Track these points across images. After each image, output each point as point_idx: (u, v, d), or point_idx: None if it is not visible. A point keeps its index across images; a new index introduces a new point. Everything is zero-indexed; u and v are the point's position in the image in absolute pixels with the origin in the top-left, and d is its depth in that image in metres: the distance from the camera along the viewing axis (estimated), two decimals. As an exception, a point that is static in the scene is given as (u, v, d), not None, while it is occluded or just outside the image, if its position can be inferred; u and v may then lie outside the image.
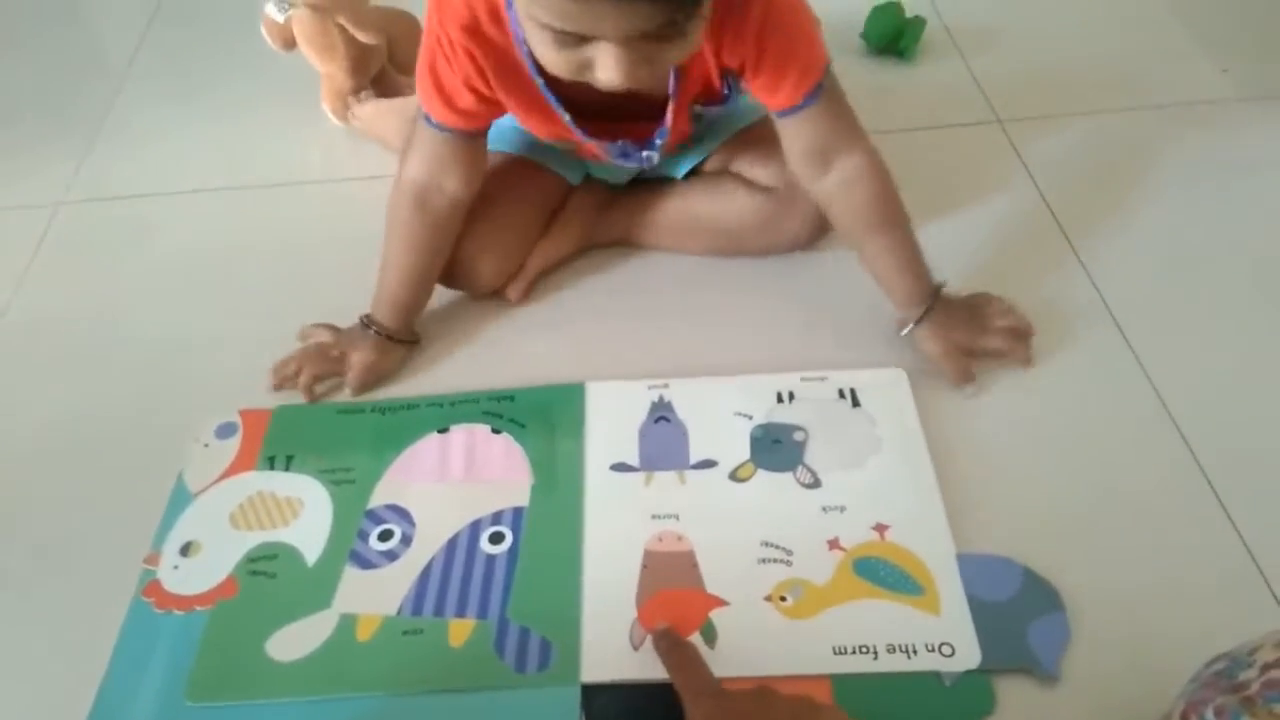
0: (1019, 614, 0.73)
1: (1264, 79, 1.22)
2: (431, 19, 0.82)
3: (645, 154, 0.91)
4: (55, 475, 0.90)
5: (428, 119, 0.87)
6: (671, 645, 0.71)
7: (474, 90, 0.84)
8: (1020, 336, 0.90)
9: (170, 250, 1.14)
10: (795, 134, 0.86)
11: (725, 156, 1.00)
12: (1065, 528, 0.79)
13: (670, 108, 0.86)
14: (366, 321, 0.95)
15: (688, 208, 1.02)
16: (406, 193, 0.91)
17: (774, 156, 0.93)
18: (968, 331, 0.89)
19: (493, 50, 0.81)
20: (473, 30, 0.80)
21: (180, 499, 0.86)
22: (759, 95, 0.85)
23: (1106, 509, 0.80)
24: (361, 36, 1.17)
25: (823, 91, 0.83)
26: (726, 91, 0.89)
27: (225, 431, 0.91)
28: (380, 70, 1.25)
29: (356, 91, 1.22)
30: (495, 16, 0.79)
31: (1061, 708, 0.69)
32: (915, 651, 0.71)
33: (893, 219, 0.88)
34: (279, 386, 0.94)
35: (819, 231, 0.99)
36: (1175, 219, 1.05)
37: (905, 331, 0.89)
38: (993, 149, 1.15)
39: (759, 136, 0.96)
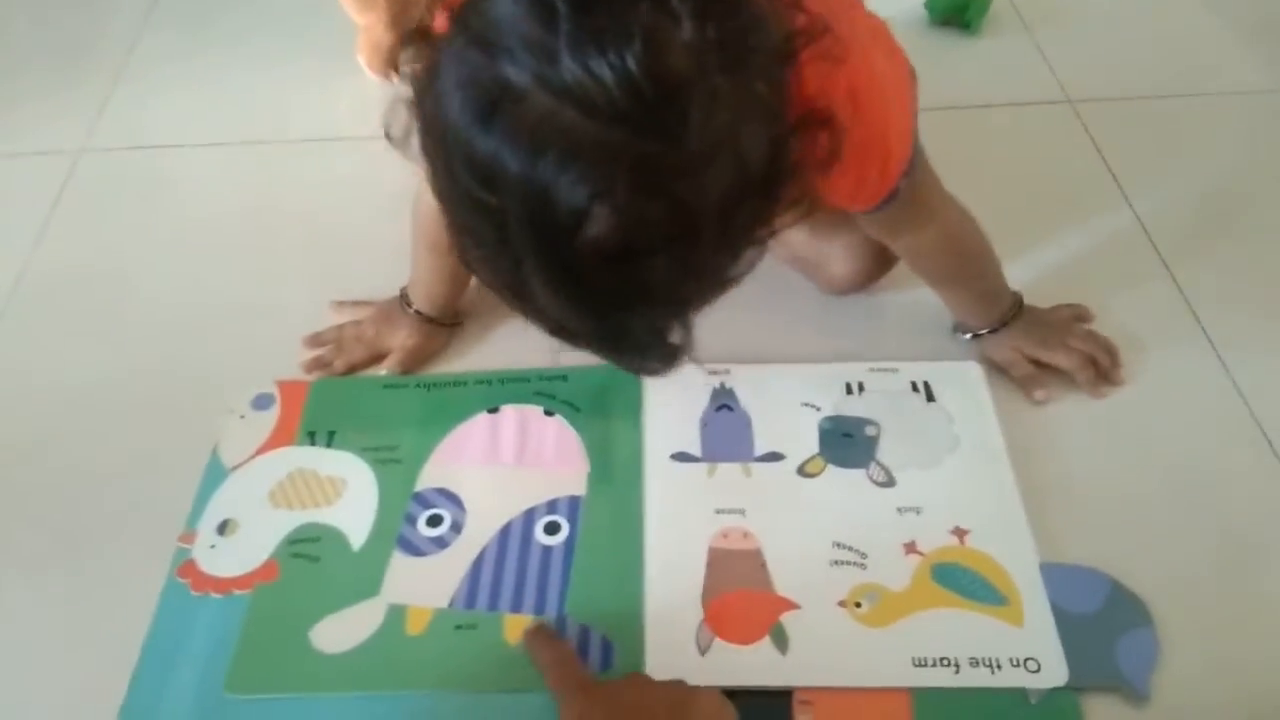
0: (1106, 628, 0.69)
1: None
2: None
3: None
4: (81, 446, 0.85)
5: None
6: (543, 643, 0.68)
7: None
8: (1093, 364, 0.84)
9: (197, 205, 1.08)
10: (865, 221, 0.78)
11: None
12: (1151, 539, 0.75)
13: None
14: (407, 300, 0.90)
15: None
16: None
17: (812, 221, 0.87)
18: (1033, 342, 0.84)
19: None
20: None
21: (215, 474, 0.81)
22: (828, 202, 0.70)
23: (1194, 521, 0.76)
24: (403, -14, 1.11)
25: (896, 198, 0.69)
26: None
27: (262, 403, 0.86)
28: (421, 23, 1.19)
29: (396, 46, 1.16)
30: None
31: (1154, 731, 0.66)
32: (1000, 666, 0.68)
33: (967, 277, 0.83)
34: (312, 371, 0.89)
35: (856, 290, 0.92)
36: (1261, 215, 1.00)
37: (964, 336, 0.87)
38: (1063, 130, 1.10)
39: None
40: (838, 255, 0.89)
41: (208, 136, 1.16)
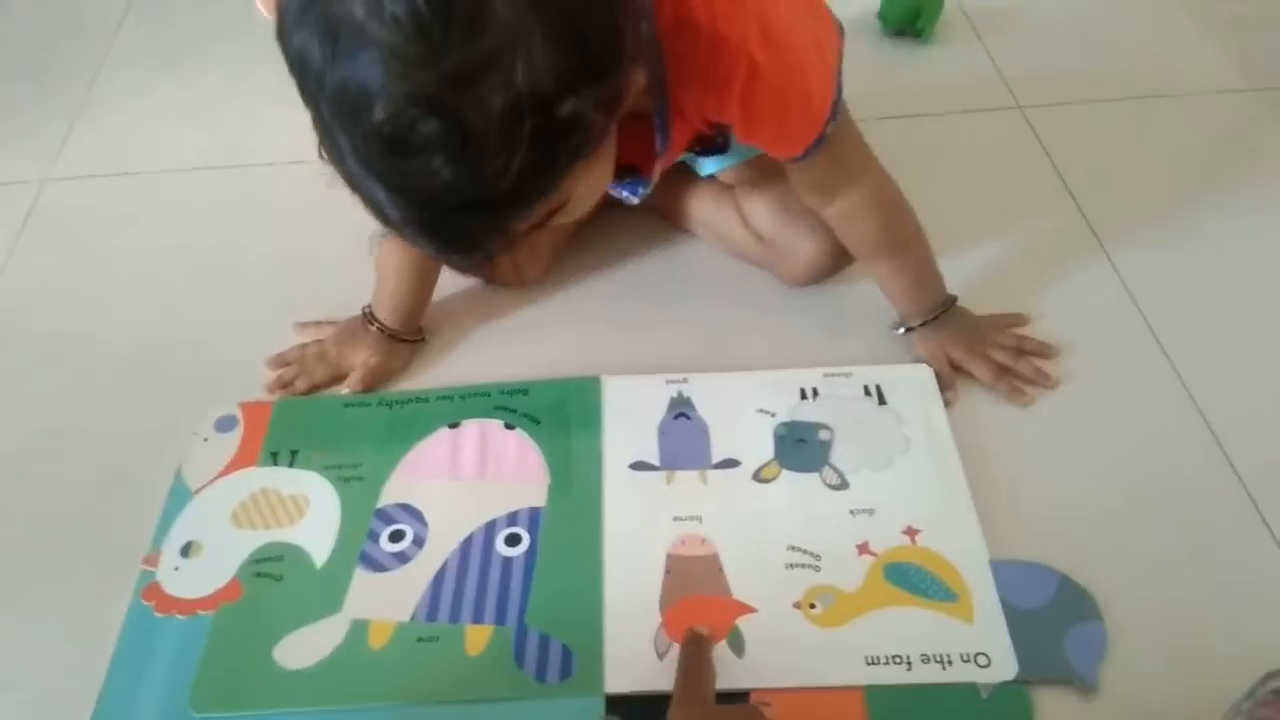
0: (1055, 622, 0.71)
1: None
2: None
3: (626, 194, 0.82)
4: (46, 471, 0.86)
5: None
6: (696, 649, 0.68)
7: None
8: (1010, 374, 0.86)
9: (163, 231, 1.09)
10: (796, 174, 0.81)
11: (739, 174, 0.94)
12: (1099, 534, 0.77)
13: (656, 166, 0.77)
14: (370, 317, 0.91)
15: (702, 207, 0.99)
16: None
17: (776, 198, 0.91)
18: (960, 347, 0.87)
19: None
20: None
21: (179, 496, 0.82)
22: (758, 147, 0.79)
23: (1142, 515, 0.78)
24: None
25: (823, 143, 0.74)
26: (722, 140, 0.83)
27: (225, 425, 0.87)
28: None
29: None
30: None
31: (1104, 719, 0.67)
32: (950, 662, 0.69)
33: (897, 245, 0.85)
34: (275, 391, 0.91)
35: (819, 278, 0.94)
36: (1207, 215, 1.02)
37: (898, 331, 0.89)
38: (1013, 136, 1.12)
39: (772, 171, 0.88)
40: (798, 239, 0.91)
41: (171, 163, 1.17)
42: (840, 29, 0.77)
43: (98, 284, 1.03)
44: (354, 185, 0.54)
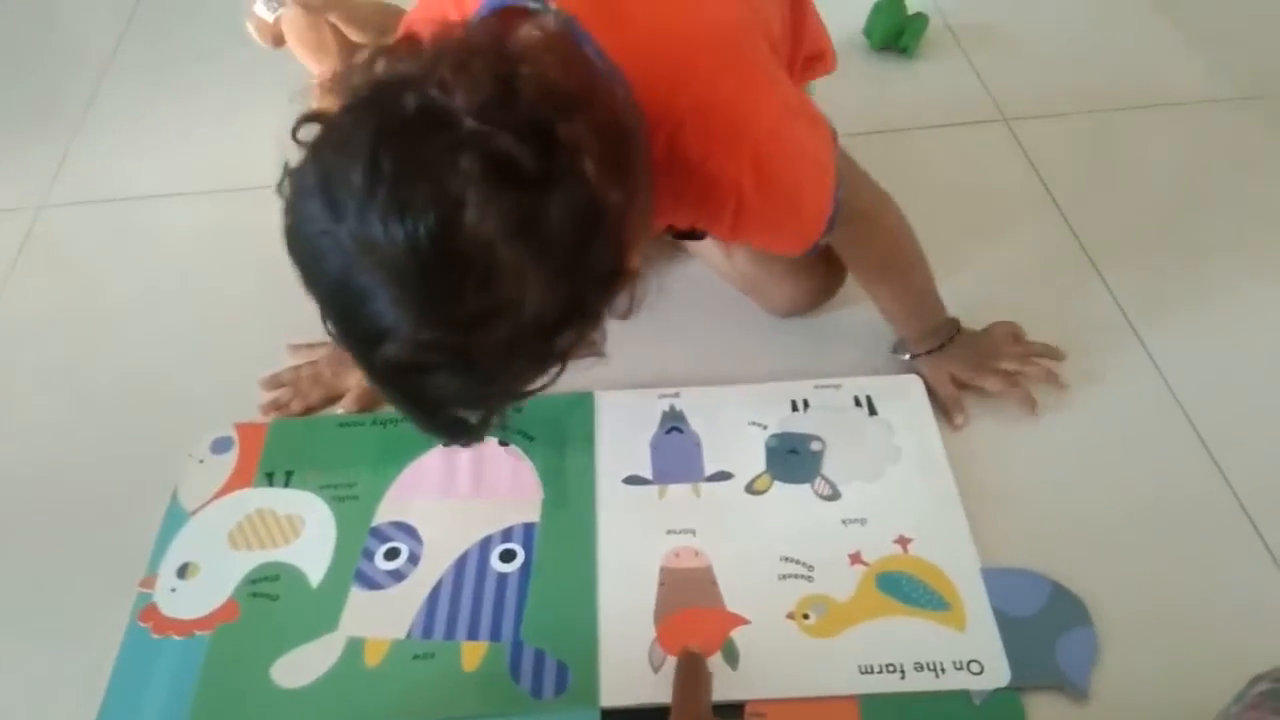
0: (1046, 629, 0.71)
1: (1263, 78, 1.21)
2: None
3: None
4: (42, 494, 0.87)
5: None
6: (692, 666, 0.69)
7: None
8: (1020, 380, 0.86)
9: (158, 256, 1.10)
10: None
11: None
12: (1090, 541, 0.77)
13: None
14: None
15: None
16: None
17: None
18: (967, 367, 0.87)
19: None
20: None
21: (176, 518, 0.82)
22: None
23: (1132, 522, 0.79)
24: (354, 35, 1.13)
25: (826, 236, 0.75)
26: (701, 233, 0.85)
27: (221, 446, 0.87)
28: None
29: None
30: None
31: (1095, 726, 0.68)
32: (943, 670, 0.70)
33: (899, 271, 0.85)
34: (269, 413, 0.91)
35: (799, 313, 0.95)
36: (1197, 225, 1.03)
37: (902, 356, 0.89)
38: (999, 148, 1.14)
39: None
40: (779, 278, 0.92)
41: (167, 188, 1.18)
42: (833, 132, 0.76)
43: (92, 309, 1.04)
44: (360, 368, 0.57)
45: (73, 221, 1.15)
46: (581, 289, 0.55)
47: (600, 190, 0.53)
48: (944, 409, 0.86)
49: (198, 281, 1.06)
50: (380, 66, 0.55)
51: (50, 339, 1.01)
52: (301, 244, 0.54)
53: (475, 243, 0.49)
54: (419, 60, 0.54)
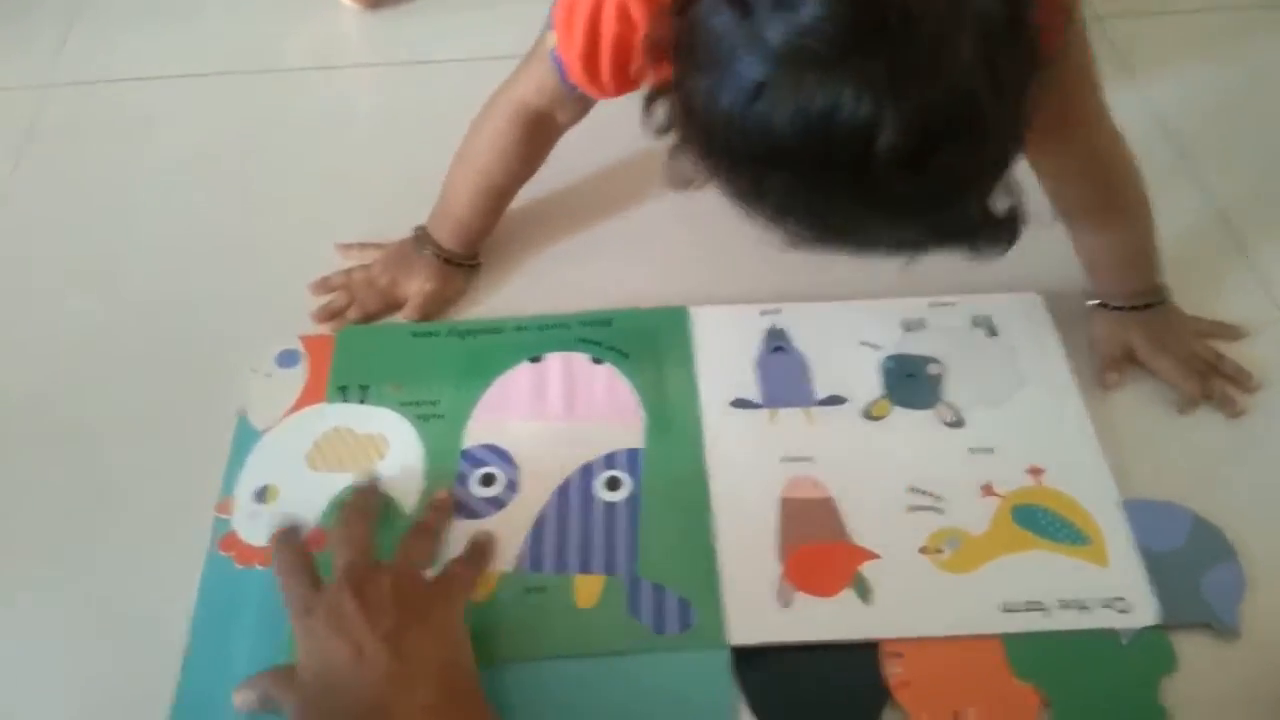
0: (1191, 564, 0.68)
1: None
2: None
3: None
4: (87, 408, 0.79)
5: (558, 64, 0.72)
6: (280, 544, 0.65)
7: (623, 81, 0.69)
8: (1199, 377, 0.77)
9: (182, 144, 1.01)
10: None
11: None
12: (1227, 471, 0.74)
13: None
14: (423, 239, 0.85)
15: None
16: (511, 105, 0.79)
17: None
18: (1151, 345, 0.78)
19: None
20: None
21: (246, 437, 0.76)
22: None
23: (1267, 448, 0.75)
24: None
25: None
26: None
27: (287, 360, 0.80)
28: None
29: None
30: None
31: (1246, 664, 0.65)
32: (1088, 607, 0.66)
33: (1113, 218, 0.77)
34: (324, 321, 0.84)
35: None
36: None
37: (1090, 303, 0.81)
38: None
39: None
40: None
41: (186, 67, 1.09)
42: None
43: (117, 204, 0.95)
44: (842, 237, 0.55)
45: (83, 104, 1.05)
46: None
47: None
48: (1102, 362, 0.79)
49: (232, 173, 0.98)
50: None
51: (71, 236, 0.92)
52: (745, 119, 0.49)
53: None
54: None
